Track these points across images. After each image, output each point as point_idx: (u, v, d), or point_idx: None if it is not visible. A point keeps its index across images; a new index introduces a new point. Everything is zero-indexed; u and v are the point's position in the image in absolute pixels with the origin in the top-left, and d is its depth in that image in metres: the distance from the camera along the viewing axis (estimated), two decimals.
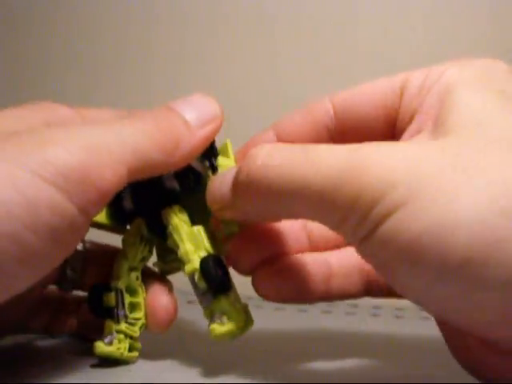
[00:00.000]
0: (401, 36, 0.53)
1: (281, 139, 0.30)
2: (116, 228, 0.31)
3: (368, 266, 0.28)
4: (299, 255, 0.30)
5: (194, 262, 0.27)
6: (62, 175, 0.22)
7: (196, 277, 0.27)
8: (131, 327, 0.29)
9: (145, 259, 0.30)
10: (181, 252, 0.28)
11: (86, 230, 0.25)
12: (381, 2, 0.53)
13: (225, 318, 0.27)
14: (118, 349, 0.28)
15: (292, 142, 0.29)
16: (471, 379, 0.27)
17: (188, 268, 0.27)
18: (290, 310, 0.43)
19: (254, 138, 0.31)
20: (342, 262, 0.30)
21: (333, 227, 0.24)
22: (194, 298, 0.46)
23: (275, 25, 0.55)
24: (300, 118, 0.30)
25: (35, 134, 0.24)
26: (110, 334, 0.28)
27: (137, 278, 0.29)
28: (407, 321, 0.42)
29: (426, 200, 0.20)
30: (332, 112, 0.29)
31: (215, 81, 0.55)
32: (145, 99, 0.57)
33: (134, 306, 0.29)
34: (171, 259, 0.30)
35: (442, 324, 0.26)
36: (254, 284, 0.29)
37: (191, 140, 0.27)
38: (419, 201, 0.21)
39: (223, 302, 0.27)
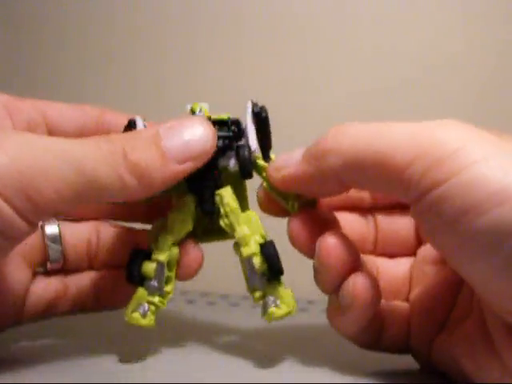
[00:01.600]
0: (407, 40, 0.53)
1: None
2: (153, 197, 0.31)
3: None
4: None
5: (252, 246, 0.29)
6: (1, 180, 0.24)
7: (254, 260, 0.29)
8: (163, 300, 0.30)
9: (186, 234, 0.30)
10: (238, 235, 0.29)
11: (27, 235, 0.25)
12: (381, 2, 0.53)
13: (278, 301, 0.28)
14: (150, 320, 0.29)
15: None
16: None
17: (246, 251, 0.29)
18: None
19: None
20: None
21: (392, 185, 0.24)
22: (194, 298, 0.46)
23: (284, 27, 0.55)
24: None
25: None
26: (141, 303, 0.29)
27: (177, 253, 0.30)
28: None
29: (494, 162, 0.22)
30: None
31: (223, 82, 0.55)
32: (155, 98, 0.57)
33: (168, 280, 0.30)
34: (210, 235, 0.31)
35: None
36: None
37: (162, 174, 0.27)
38: (488, 163, 0.22)
39: (278, 286, 0.29)
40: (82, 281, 0.33)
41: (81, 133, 0.32)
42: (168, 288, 0.30)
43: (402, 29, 0.53)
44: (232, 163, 0.30)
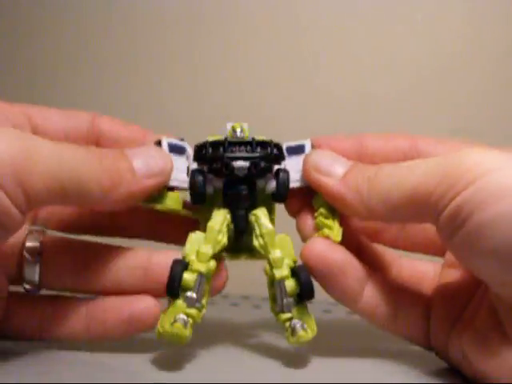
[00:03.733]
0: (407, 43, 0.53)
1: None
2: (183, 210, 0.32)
3: None
4: None
5: (285, 269, 0.29)
6: None
7: (286, 283, 0.29)
8: (199, 314, 0.29)
9: (223, 246, 0.30)
10: (272, 257, 0.30)
11: (20, 226, 0.26)
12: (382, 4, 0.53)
13: (305, 325, 0.29)
14: (190, 333, 0.28)
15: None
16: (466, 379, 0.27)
17: (279, 274, 0.29)
18: None
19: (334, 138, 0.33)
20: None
21: (424, 207, 0.27)
22: None
23: (284, 28, 0.55)
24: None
25: None
26: (179, 315, 0.28)
27: (215, 266, 0.29)
28: None
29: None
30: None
31: (220, 83, 0.55)
32: (148, 101, 0.57)
33: (204, 293, 0.29)
34: (237, 253, 0.32)
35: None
36: None
37: (132, 185, 0.29)
38: (506, 171, 0.24)
39: (305, 310, 0.30)
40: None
41: (69, 138, 0.33)
42: (204, 301, 0.29)
43: (401, 28, 0.53)
44: (270, 185, 0.31)
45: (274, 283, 0.30)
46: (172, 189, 0.31)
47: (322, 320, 0.40)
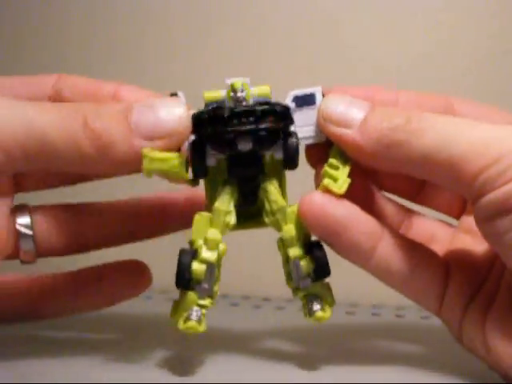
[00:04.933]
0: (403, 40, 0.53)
1: None
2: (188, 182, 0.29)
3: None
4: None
5: (299, 248, 0.28)
6: None
7: (301, 261, 0.28)
8: (212, 301, 0.28)
9: (232, 227, 0.28)
10: (286, 235, 0.28)
11: None
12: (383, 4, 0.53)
13: (323, 303, 0.28)
14: (204, 326, 0.27)
15: None
16: (471, 379, 0.27)
17: (293, 252, 0.28)
18: (290, 309, 0.43)
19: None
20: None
21: (461, 187, 0.25)
22: None
23: (284, 24, 0.55)
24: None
25: None
26: (191, 308, 0.27)
27: (224, 250, 0.28)
28: (407, 321, 0.42)
29: None
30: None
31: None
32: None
33: (216, 279, 0.28)
34: (245, 223, 0.29)
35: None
36: None
37: (124, 148, 0.25)
38: None
39: (322, 286, 0.28)
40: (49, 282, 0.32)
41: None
42: (216, 287, 0.28)
43: (401, 29, 0.53)
44: (279, 153, 0.28)
45: (288, 261, 0.28)
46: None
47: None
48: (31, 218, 0.30)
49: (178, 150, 0.27)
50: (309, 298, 0.28)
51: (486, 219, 0.25)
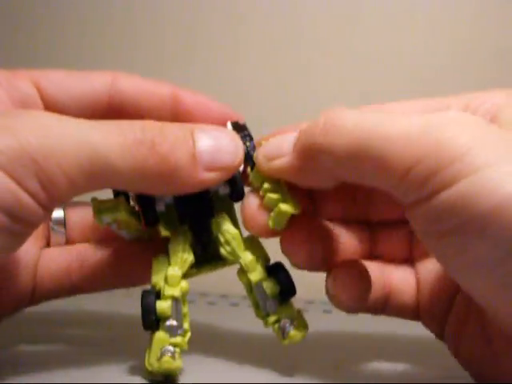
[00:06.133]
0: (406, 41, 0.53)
1: None
2: (140, 233, 0.30)
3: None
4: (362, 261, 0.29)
5: (260, 271, 0.28)
6: (12, 163, 0.22)
7: (265, 285, 0.28)
8: (184, 339, 0.27)
9: (190, 264, 0.28)
10: (244, 262, 0.28)
11: (43, 220, 0.24)
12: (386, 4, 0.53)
13: (295, 322, 0.28)
14: (180, 363, 0.26)
15: None
16: (468, 379, 0.27)
17: (255, 277, 0.28)
18: None
19: (281, 129, 0.29)
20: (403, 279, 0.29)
21: (391, 186, 0.23)
22: (194, 298, 0.46)
23: (281, 25, 0.55)
24: None
25: None
26: (163, 348, 0.26)
27: (187, 287, 0.28)
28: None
29: (507, 168, 0.20)
30: None
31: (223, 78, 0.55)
32: None
33: (184, 316, 0.27)
34: (208, 265, 0.29)
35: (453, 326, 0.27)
36: (327, 282, 0.29)
37: (188, 178, 0.25)
38: (500, 168, 0.20)
39: (290, 307, 0.28)
40: (98, 254, 0.30)
41: (86, 106, 0.30)
42: (186, 325, 0.27)
43: (400, 28, 0.53)
44: (222, 187, 0.28)
45: (252, 288, 0.28)
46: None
47: (321, 320, 0.40)
48: (64, 213, 0.31)
49: None
50: (282, 321, 0.28)
51: (429, 229, 0.22)
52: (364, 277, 0.28)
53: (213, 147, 0.25)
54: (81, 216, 0.32)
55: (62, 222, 0.31)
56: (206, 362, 0.30)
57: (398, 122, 0.22)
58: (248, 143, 0.28)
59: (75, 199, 0.26)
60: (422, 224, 0.23)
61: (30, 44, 0.59)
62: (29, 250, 0.30)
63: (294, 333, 0.28)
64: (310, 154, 0.25)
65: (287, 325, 0.28)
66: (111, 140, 0.23)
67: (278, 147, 0.26)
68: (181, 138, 0.25)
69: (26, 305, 0.30)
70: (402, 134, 0.22)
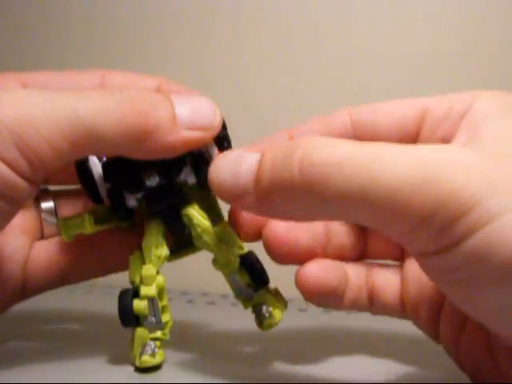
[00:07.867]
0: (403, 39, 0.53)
1: None
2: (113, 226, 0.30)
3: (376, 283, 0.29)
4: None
5: (234, 262, 0.28)
6: None
7: (237, 274, 0.29)
8: (165, 331, 0.28)
9: (165, 259, 0.29)
10: (217, 254, 0.29)
11: (29, 196, 0.24)
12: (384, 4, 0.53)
13: (270, 309, 0.29)
14: (160, 356, 0.28)
15: None
16: (467, 379, 0.27)
17: (228, 269, 0.29)
18: (290, 309, 0.43)
19: (267, 138, 0.29)
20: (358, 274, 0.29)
21: (399, 235, 0.21)
22: (194, 298, 0.46)
23: (281, 24, 0.55)
24: (317, 126, 0.28)
25: None
26: (145, 343, 0.28)
27: (163, 281, 0.28)
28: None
29: None
30: (349, 125, 0.27)
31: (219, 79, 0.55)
32: None
33: (163, 309, 0.28)
34: (184, 250, 0.30)
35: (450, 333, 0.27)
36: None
37: (170, 135, 0.25)
38: None
39: (265, 294, 0.29)
40: (85, 244, 0.30)
41: None
42: (166, 318, 0.28)
43: (400, 28, 0.53)
44: (189, 177, 0.28)
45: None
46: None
47: (321, 320, 0.40)
48: (54, 203, 0.31)
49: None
50: (257, 308, 0.29)
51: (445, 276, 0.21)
52: (331, 275, 0.28)
53: (191, 109, 0.25)
54: (72, 204, 0.31)
55: (53, 212, 0.31)
56: (205, 361, 0.30)
57: (399, 159, 0.20)
58: (226, 144, 0.28)
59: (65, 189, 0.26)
60: (435, 272, 0.22)
61: (19, 45, 0.59)
62: (19, 246, 0.30)
63: (267, 321, 0.29)
64: (282, 192, 0.22)
65: (262, 312, 0.29)
66: (91, 102, 0.23)
67: (234, 173, 0.23)
68: (159, 99, 0.25)
69: (17, 300, 0.30)
70: (408, 179, 0.20)
